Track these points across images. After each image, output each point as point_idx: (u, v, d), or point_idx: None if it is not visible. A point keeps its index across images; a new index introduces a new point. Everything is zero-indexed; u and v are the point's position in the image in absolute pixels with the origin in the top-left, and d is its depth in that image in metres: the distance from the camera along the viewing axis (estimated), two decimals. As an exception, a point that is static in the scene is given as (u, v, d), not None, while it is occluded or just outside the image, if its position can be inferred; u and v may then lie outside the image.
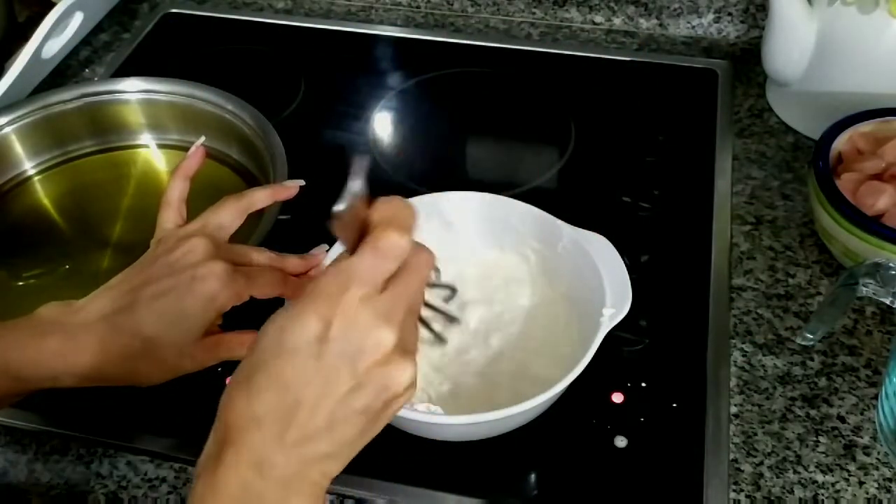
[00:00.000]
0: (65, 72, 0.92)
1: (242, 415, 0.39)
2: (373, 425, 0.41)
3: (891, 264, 0.54)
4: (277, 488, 0.39)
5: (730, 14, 0.92)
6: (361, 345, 0.39)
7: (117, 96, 0.79)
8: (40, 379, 0.51)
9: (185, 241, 0.55)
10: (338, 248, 0.60)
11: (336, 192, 0.81)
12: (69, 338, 0.51)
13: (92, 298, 0.53)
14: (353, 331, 0.39)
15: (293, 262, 0.58)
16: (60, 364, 0.51)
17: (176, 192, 0.60)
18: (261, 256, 0.57)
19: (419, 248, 0.42)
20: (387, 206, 0.41)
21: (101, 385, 0.53)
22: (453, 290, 0.58)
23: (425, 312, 0.56)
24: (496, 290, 0.62)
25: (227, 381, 0.41)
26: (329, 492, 0.56)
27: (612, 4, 0.94)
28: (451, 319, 0.56)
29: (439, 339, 0.55)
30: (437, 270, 0.59)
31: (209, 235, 0.56)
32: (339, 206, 0.39)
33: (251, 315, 0.55)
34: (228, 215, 0.59)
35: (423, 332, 0.55)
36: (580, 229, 0.60)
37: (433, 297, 0.57)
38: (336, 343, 0.39)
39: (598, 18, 0.95)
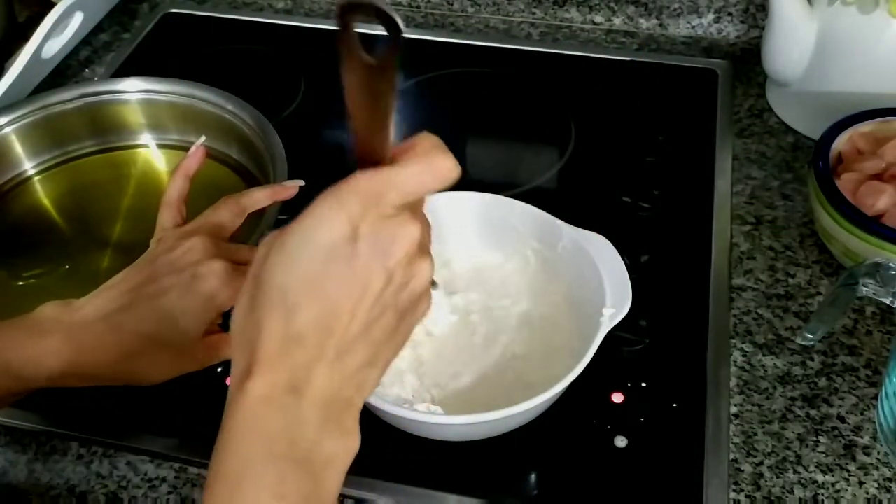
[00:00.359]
0: (65, 72, 0.92)
1: (281, 338, 0.36)
2: (402, 326, 0.40)
3: (891, 264, 0.54)
4: (319, 408, 0.37)
5: (730, 14, 0.92)
6: (392, 240, 0.37)
7: (117, 96, 0.79)
8: (40, 378, 0.51)
9: (184, 240, 0.55)
10: None
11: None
12: (69, 337, 0.51)
13: (92, 297, 0.53)
14: (385, 228, 0.37)
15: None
16: (60, 363, 0.51)
17: (176, 192, 0.60)
18: None
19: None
20: (430, 136, 0.41)
21: (101, 384, 0.53)
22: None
23: None
24: (496, 290, 0.62)
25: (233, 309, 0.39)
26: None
27: (612, 4, 0.94)
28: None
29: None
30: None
31: (209, 235, 0.56)
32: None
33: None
34: (228, 215, 0.59)
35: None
36: (580, 229, 0.60)
37: None
38: (367, 240, 0.37)
39: (598, 18, 0.95)
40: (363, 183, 0.37)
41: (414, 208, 0.40)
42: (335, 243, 0.36)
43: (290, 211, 0.67)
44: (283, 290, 0.37)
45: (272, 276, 0.37)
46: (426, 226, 0.41)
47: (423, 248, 0.40)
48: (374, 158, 0.39)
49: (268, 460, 0.36)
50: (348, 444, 0.39)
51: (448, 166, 0.40)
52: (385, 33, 0.36)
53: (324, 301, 0.37)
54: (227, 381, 0.40)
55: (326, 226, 0.37)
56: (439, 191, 0.40)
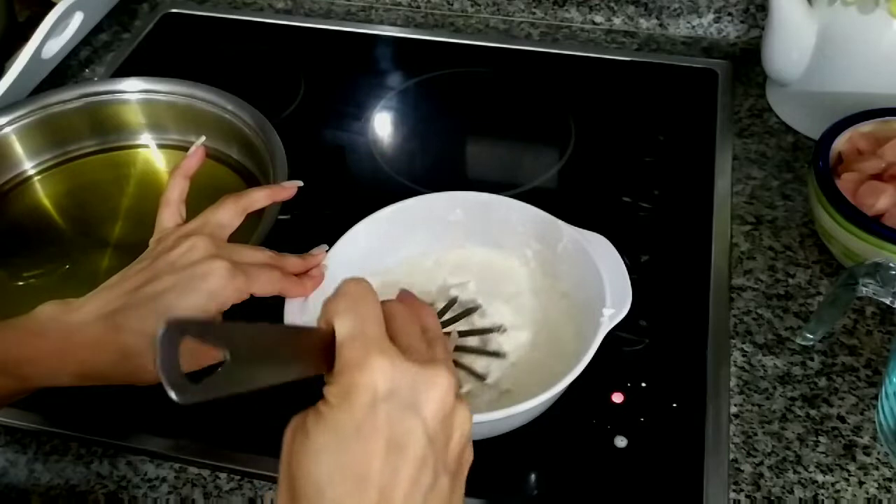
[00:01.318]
0: (65, 72, 0.92)
1: None
2: (458, 485, 0.37)
3: (891, 264, 0.54)
4: None
5: (730, 14, 0.92)
6: (417, 389, 0.35)
7: (117, 96, 0.79)
8: (39, 378, 0.51)
9: (184, 239, 0.55)
10: (342, 245, 0.60)
11: (336, 192, 0.81)
12: (68, 336, 0.51)
13: (91, 297, 0.53)
14: (406, 376, 0.35)
15: (293, 262, 0.58)
16: (59, 363, 0.51)
17: (175, 192, 0.60)
18: (261, 255, 0.57)
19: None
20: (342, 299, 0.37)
21: (101, 384, 0.53)
22: (500, 329, 0.59)
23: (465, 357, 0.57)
24: (496, 290, 0.62)
25: None
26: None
27: (612, 4, 0.94)
28: (496, 356, 0.57)
29: (481, 378, 0.56)
30: (478, 309, 0.60)
31: (209, 234, 0.56)
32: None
33: (252, 314, 0.55)
34: (228, 214, 0.59)
35: (464, 375, 0.56)
36: (580, 229, 0.60)
37: (475, 340, 0.59)
38: (389, 400, 0.34)
39: (598, 18, 0.95)
40: (352, 352, 0.35)
41: (432, 343, 0.38)
42: (360, 416, 0.34)
43: (291, 211, 0.67)
44: (319, 485, 0.34)
45: (304, 468, 0.35)
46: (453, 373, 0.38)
47: (458, 391, 0.37)
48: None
49: None
50: None
51: (354, 283, 0.38)
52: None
53: (365, 488, 0.33)
54: None
55: (348, 403, 0.34)
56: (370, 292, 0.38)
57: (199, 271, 0.52)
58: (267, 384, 0.35)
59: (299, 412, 0.37)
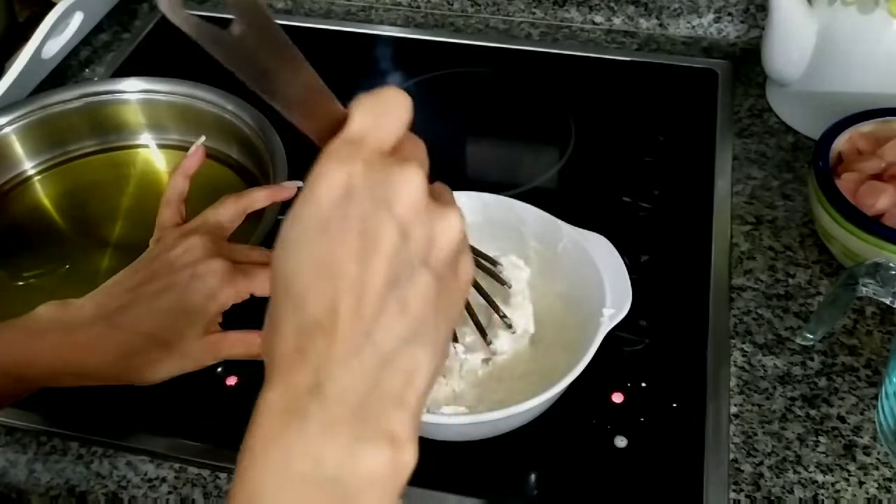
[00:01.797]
0: (65, 72, 0.92)
1: (292, 330, 0.31)
2: (445, 291, 0.33)
3: (891, 264, 0.54)
4: (349, 413, 0.30)
5: (730, 14, 0.92)
6: (390, 184, 0.31)
7: (117, 96, 0.79)
8: (39, 378, 0.51)
9: (184, 239, 0.55)
10: None
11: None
12: (67, 337, 0.51)
13: (91, 297, 0.53)
14: (378, 173, 0.31)
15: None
16: (59, 363, 0.51)
17: (175, 191, 0.60)
18: (260, 255, 0.57)
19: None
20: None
21: (101, 384, 0.53)
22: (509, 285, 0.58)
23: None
24: (496, 289, 0.62)
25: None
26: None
27: (612, 4, 0.94)
28: (507, 326, 0.57)
29: (488, 344, 0.56)
30: (496, 263, 0.59)
31: (208, 234, 0.56)
32: None
33: (252, 314, 0.55)
34: (228, 214, 0.59)
35: (467, 343, 0.56)
36: (580, 229, 0.60)
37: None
38: (362, 193, 0.31)
39: (598, 18, 0.95)
40: (334, 144, 0.33)
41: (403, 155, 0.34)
42: (327, 210, 0.31)
43: (290, 211, 0.67)
44: (286, 280, 0.32)
45: (276, 267, 0.33)
46: (442, 185, 0.36)
47: (440, 196, 0.34)
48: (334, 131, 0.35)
49: (285, 484, 0.30)
50: (397, 457, 0.31)
51: (394, 93, 0.34)
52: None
53: (331, 278, 0.30)
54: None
55: (313, 195, 0.32)
56: (404, 114, 0.34)
57: (198, 271, 0.52)
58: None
59: None
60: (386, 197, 0.31)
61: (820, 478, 0.56)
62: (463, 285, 0.34)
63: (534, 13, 0.96)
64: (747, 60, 0.89)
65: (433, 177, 0.34)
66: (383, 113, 0.34)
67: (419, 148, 0.35)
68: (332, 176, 0.32)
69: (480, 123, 0.85)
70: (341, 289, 0.30)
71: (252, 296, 0.55)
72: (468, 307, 0.56)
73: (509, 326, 0.57)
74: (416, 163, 0.32)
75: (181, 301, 0.52)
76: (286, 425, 0.30)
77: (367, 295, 0.30)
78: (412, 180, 0.32)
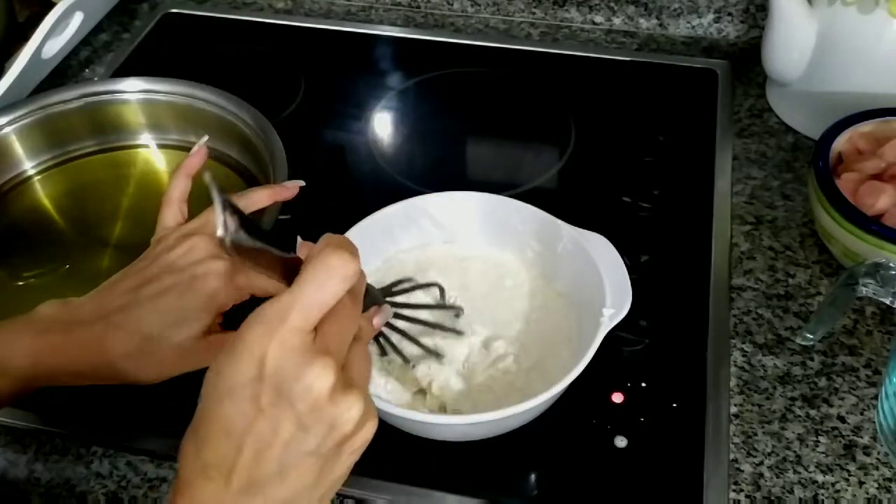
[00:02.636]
0: (65, 72, 0.92)
1: (191, 466, 0.38)
2: (331, 467, 0.39)
3: (891, 264, 0.54)
4: None
5: (730, 14, 0.92)
6: (298, 383, 0.36)
7: (117, 96, 0.79)
8: (39, 377, 0.51)
9: (185, 239, 0.55)
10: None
11: (335, 192, 0.81)
12: (68, 336, 0.51)
13: (90, 297, 0.53)
14: (289, 368, 0.36)
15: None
16: (59, 362, 0.51)
17: (177, 191, 0.60)
18: None
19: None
20: (329, 237, 0.40)
21: (101, 383, 0.53)
22: (459, 310, 0.59)
23: (417, 329, 0.57)
24: (496, 289, 0.62)
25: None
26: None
27: (612, 4, 0.94)
28: (456, 333, 0.57)
29: (435, 354, 0.56)
30: (441, 290, 0.60)
31: (209, 234, 0.56)
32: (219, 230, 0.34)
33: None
34: None
35: (415, 350, 0.56)
36: (580, 229, 0.60)
37: (438, 315, 0.58)
38: (272, 383, 0.36)
39: (598, 18, 0.95)
40: (264, 311, 0.37)
41: (327, 333, 0.38)
42: (241, 382, 0.36)
43: (291, 211, 0.67)
44: (197, 420, 0.38)
45: (202, 398, 0.38)
46: (363, 356, 0.41)
47: (348, 385, 0.38)
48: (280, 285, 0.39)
49: None
50: None
51: (340, 264, 0.37)
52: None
53: (229, 436, 0.37)
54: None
55: (233, 363, 0.37)
56: (345, 290, 0.38)
57: (198, 272, 0.52)
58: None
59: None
60: (290, 394, 0.36)
61: (820, 478, 0.56)
62: (353, 456, 0.40)
63: (534, 13, 0.96)
64: (747, 60, 0.89)
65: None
66: (319, 285, 0.37)
67: (347, 321, 0.39)
68: (252, 351, 0.36)
69: (480, 123, 0.85)
70: (235, 454, 0.37)
71: (253, 297, 0.55)
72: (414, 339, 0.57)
73: (439, 356, 0.57)
74: (329, 358, 0.37)
75: (182, 301, 0.52)
76: None
77: (258, 468, 0.37)
78: (319, 377, 0.36)
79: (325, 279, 0.37)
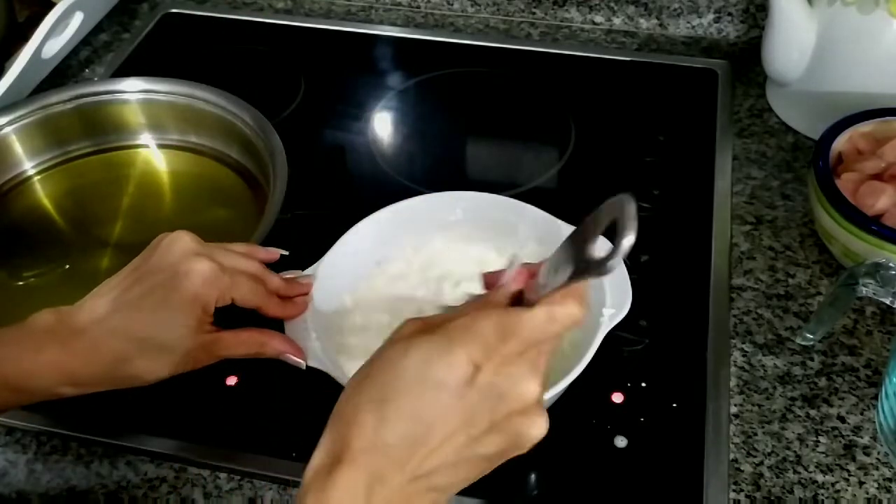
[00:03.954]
0: (65, 72, 0.92)
1: (370, 438, 0.38)
2: (490, 468, 0.41)
3: (891, 264, 0.54)
4: None
5: (730, 14, 0.92)
6: (508, 392, 0.39)
7: (117, 96, 0.79)
8: (38, 390, 0.51)
9: (169, 235, 0.54)
10: (342, 245, 0.59)
11: (336, 192, 0.81)
12: (64, 346, 0.51)
13: (84, 303, 0.53)
14: (504, 378, 0.39)
15: (277, 283, 0.57)
16: (57, 374, 0.51)
17: None
18: (246, 263, 0.56)
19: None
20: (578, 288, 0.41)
21: (99, 391, 0.53)
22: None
23: None
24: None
25: (349, 384, 0.41)
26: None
27: (612, 4, 0.94)
28: None
29: None
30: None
31: (194, 234, 0.55)
32: (612, 261, 0.36)
33: (250, 315, 0.55)
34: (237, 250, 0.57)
35: None
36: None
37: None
38: (482, 387, 0.38)
39: (598, 18, 0.95)
40: (491, 323, 0.39)
41: (538, 353, 0.40)
42: (454, 379, 0.38)
43: (291, 211, 0.67)
44: (384, 397, 0.39)
45: (385, 374, 0.39)
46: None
47: (542, 404, 0.41)
48: (526, 297, 0.42)
49: None
50: None
51: (573, 313, 0.40)
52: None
53: (419, 425, 0.38)
54: (348, 386, 0.41)
55: (448, 360, 0.38)
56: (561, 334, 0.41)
57: (181, 269, 0.52)
58: None
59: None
60: (495, 403, 0.39)
61: (820, 478, 0.56)
62: (500, 462, 0.42)
63: (534, 13, 0.96)
64: (747, 60, 0.89)
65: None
66: (549, 323, 0.40)
67: (551, 344, 0.42)
68: (468, 358, 0.38)
69: (480, 123, 0.85)
70: (420, 438, 0.38)
71: (233, 303, 0.54)
72: None
73: None
74: (538, 379, 0.40)
75: (167, 301, 0.51)
76: (350, 501, 0.38)
77: (436, 454, 0.39)
78: (522, 399, 0.39)
79: (553, 323, 0.40)
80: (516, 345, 0.39)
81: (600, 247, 0.37)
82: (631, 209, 0.37)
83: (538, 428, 0.40)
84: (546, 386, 0.41)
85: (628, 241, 0.35)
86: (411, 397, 0.38)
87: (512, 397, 0.39)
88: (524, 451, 0.41)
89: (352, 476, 0.38)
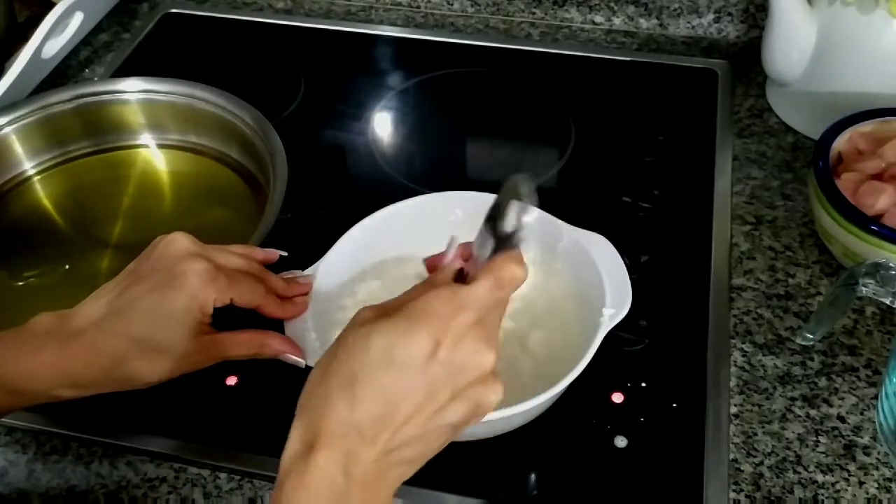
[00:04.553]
0: (65, 72, 0.92)
1: (343, 421, 0.40)
2: (453, 436, 0.43)
3: (891, 264, 0.54)
4: (361, 489, 0.40)
5: (730, 14, 0.92)
6: (466, 364, 0.41)
7: (117, 96, 0.79)
8: (38, 393, 0.51)
9: (165, 237, 0.54)
10: (342, 245, 0.59)
11: (336, 192, 0.81)
12: (63, 349, 0.51)
13: (83, 305, 0.53)
14: (461, 351, 0.41)
15: (277, 282, 0.57)
16: (57, 376, 0.51)
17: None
18: (243, 262, 0.56)
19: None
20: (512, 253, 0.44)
21: (99, 393, 0.53)
22: None
23: None
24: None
25: (313, 365, 0.43)
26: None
27: (612, 4, 0.94)
28: None
29: None
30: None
31: (191, 235, 0.55)
32: (518, 234, 0.42)
33: (249, 316, 0.55)
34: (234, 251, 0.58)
35: None
36: (580, 229, 0.60)
37: None
38: (443, 361, 0.40)
39: (598, 18, 0.95)
40: (444, 301, 0.41)
41: (490, 323, 0.43)
42: (414, 358, 0.40)
43: (291, 211, 0.67)
44: (353, 379, 0.40)
45: (351, 359, 0.41)
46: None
47: (498, 372, 0.43)
48: (469, 273, 0.44)
49: None
50: None
51: (515, 275, 0.43)
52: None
53: (388, 403, 0.40)
54: (311, 369, 0.43)
55: (410, 339, 0.40)
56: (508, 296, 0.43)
57: (178, 269, 0.52)
58: None
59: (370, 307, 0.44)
60: (457, 373, 0.41)
61: (820, 478, 0.56)
62: (465, 428, 0.44)
63: (534, 13, 0.96)
64: (747, 60, 0.89)
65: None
66: (496, 289, 0.43)
67: (499, 314, 0.45)
68: (427, 335, 0.40)
69: (480, 123, 0.85)
70: (390, 416, 0.40)
71: (232, 303, 0.54)
72: None
73: None
74: (493, 350, 0.42)
75: (164, 301, 0.51)
76: (321, 489, 0.40)
77: (404, 429, 0.41)
78: (480, 368, 0.42)
79: (497, 289, 0.42)
80: (470, 315, 0.41)
81: (509, 222, 0.42)
82: (525, 189, 0.42)
83: (496, 394, 0.42)
84: (498, 352, 0.43)
85: (528, 217, 0.42)
86: (379, 378, 0.40)
87: (470, 368, 0.41)
88: (483, 417, 0.43)
89: (328, 457, 0.39)
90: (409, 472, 0.43)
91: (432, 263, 0.51)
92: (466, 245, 0.48)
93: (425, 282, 0.45)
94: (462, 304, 0.41)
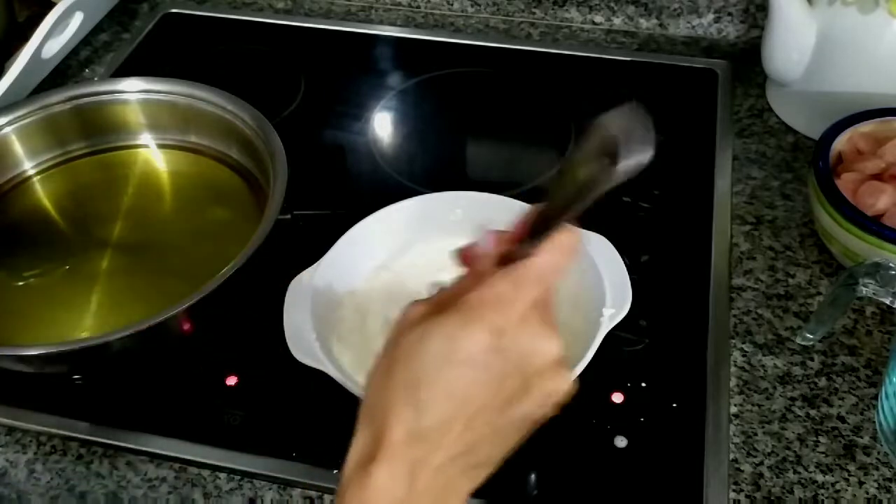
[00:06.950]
0: (65, 72, 0.92)
1: (408, 429, 0.37)
2: (524, 433, 0.40)
3: (891, 264, 0.54)
4: (428, 500, 0.38)
5: (730, 14, 0.92)
6: (533, 349, 0.39)
7: (117, 96, 0.79)
8: None
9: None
10: (341, 245, 0.59)
11: (336, 192, 0.80)
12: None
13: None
14: (526, 335, 0.39)
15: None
16: None
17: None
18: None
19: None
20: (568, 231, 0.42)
21: None
22: None
23: None
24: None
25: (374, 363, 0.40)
26: (331, 492, 0.56)
27: (612, 4, 0.94)
28: None
29: None
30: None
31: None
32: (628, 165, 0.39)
33: (248, 315, 0.55)
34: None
35: None
36: (580, 229, 0.60)
37: None
38: (507, 351, 0.38)
39: (598, 18, 0.95)
40: (501, 284, 0.39)
41: (544, 309, 0.40)
42: (476, 352, 0.38)
43: (291, 211, 0.67)
44: (416, 384, 0.38)
45: (409, 363, 0.38)
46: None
47: (565, 359, 0.40)
48: (517, 253, 0.41)
49: None
50: None
51: (568, 240, 0.41)
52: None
53: (455, 403, 0.38)
54: (373, 367, 0.40)
55: (469, 334, 0.38)
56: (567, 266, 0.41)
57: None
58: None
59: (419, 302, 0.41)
60: (522, 361, 0.38)
61: (820, 478, 0.56)
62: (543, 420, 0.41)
63: (534, 13, 0.96)
64: (747, 60, 0.89)
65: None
66: (552, 267, 0.41)
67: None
68: (487, 327, 0.38)
69: (480, 123, 0.85)
70: (458, 418, 0.38)
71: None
72: None
73: None
74: (557, 337, 0.40)
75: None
76: (392, 496, 0.37)
77: (475, 428, 0.38)
78: (550, 352, 0.39)
79: (554, 256, 0.40)
80: (531, 291, 0.39)
81: (631, 161, 0.39)
82: (636, 123, 0.38)
83: (565, 382, 0.40)
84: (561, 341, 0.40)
85: (639, 158, 0.37)
86: (442, 378, 0.38)
87: (537, 353, 0.39)
88: (553, 409, 0.40)
89: (388, 469, 0.37)
90: (481, 476, 0.40)
91: (467, 254, 0.45)
92: (498, 233, 0.44)
93: (468, 273, 0.43)
94: (520, 281, 0.39)
